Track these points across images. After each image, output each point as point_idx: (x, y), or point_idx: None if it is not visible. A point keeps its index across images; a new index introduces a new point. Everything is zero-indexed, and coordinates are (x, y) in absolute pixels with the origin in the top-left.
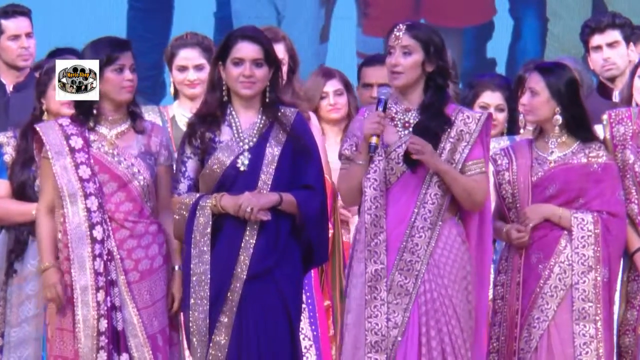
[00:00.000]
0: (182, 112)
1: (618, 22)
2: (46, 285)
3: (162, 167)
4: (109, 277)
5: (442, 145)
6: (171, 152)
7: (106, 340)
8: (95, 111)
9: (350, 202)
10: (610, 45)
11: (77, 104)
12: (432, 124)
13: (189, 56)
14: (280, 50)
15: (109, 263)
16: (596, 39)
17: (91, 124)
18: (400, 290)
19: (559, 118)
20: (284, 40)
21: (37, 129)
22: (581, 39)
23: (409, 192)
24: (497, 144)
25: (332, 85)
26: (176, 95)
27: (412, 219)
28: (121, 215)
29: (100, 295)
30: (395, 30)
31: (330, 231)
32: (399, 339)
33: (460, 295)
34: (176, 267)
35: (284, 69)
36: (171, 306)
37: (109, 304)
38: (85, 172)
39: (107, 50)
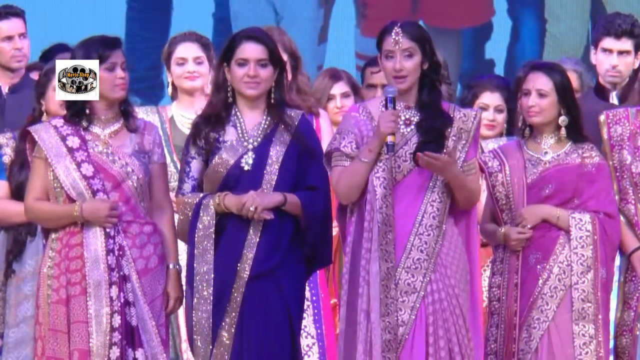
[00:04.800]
0: (180, 113)
1: (636, 32)
2: (96, 215)
3: (155, 165)
4: (121, 273)
5: (447, 144)
6: (164, 150)
7: (119, 337)
8: (87, 111)
9: (349, 199)
10: (622, 53)
11: (69, 104)
12: (437, 123)
13: (187, 49)
14: None
15: (120, 258)
16: (609, 42)
17: (84, 124)
18: (407, 288)
19: (565, 118)
20: (280, 40)
21: (32, 132)
22: (592, 34)
23: (415, 190)
24: (497, 145)
25: (339, 88)
26: (174, 95)
27: (420, 217)
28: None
29: (114, 290)
30: (392, 34)
31: (336, 229)
32: (406, 337)
33: (465, 295)
34: (170, 266)
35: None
36: (166, 305)
37: (122, 300)
38: (88, 169)
39: (98, 48)
